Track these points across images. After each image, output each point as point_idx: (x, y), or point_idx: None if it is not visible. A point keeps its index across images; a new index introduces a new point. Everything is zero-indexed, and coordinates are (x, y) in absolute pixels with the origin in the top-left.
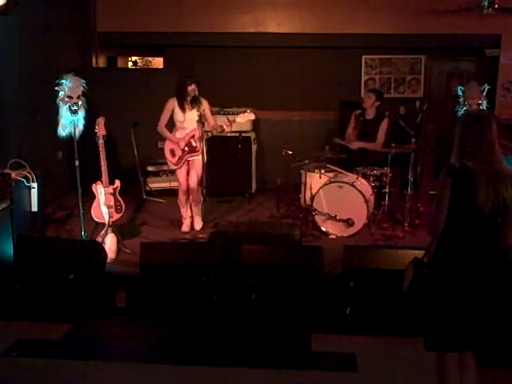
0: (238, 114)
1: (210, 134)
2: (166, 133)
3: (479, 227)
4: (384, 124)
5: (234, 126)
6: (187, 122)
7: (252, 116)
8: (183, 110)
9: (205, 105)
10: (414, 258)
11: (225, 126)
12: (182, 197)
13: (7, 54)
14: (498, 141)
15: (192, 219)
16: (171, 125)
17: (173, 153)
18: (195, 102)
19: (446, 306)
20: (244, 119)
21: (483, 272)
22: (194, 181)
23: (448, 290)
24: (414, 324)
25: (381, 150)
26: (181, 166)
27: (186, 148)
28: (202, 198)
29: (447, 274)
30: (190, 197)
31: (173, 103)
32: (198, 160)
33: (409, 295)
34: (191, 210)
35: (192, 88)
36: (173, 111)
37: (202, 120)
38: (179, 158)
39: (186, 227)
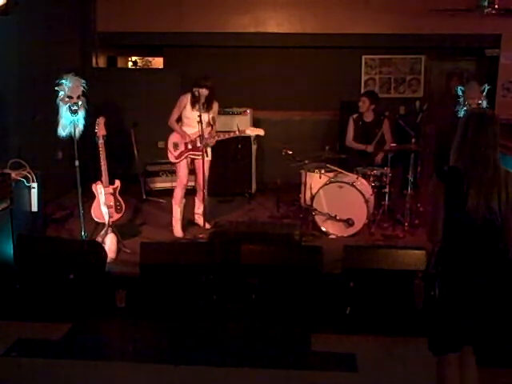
0: (240, 113)
1: (210, 140)
2: (177, 127)
3: (476, 231)
4: (386, 125)
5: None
6: (193, 120)
7: (261, 132)
8: (194, 108)
9: (215, 109)
10: (421, 271)
11: (231, 134)
12: (179, 192)
13: (7, 54)
14: (498, 144)
15: (197, 218)
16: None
17: (176, 146)
18: (207, 105)
19: (452, 312)
20: (254, 133)
21: (486, 274)
22: (199, 181)
23: (456, 297)
24: (419, 325)
25: (396, 147)
26: (180, 161)
27: (190, 145)
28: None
29: (454, 282)
30: (197, 196)
31: (186, 99)
32: (201, 160)
33: (423, 311)
34: (181, 212)
35: (201, 92)
36: (184, 107)
37: (204, 122)
38: (180, 153)
39: (179, 232)
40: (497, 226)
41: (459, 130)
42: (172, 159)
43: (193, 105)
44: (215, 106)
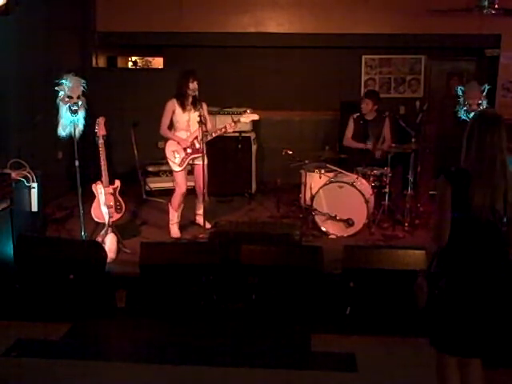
0: (239, 113)
1: (209, 137)
2: (170, 134)
3: (480, 231)
4: (386, 124)
5: (239, 126)
6: (192, 122)
7: (256, 116)
8: (185, 110)
9: (204, 107)
10: (422, 270)
11: (228, 127)
12: (179, 199)
13: (7, 53)
14: (506, 146)
15: (198, 219)
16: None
17: (176, 153)
18: (196, 103)
19: (456, 313)
20: (248, 119)
21: (491, 278)
22: (200, 185)
23: (459, 298)
24: (421, 325)
25: (394, 147)
26: (184, 168)
27: (189, 149)
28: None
29: (458, 283)
30: (198, 199)
31: (173, 104)
32: (201, 165)
33: (426, 310)
34: (178, 216)
35: (194, 85)
36: (173, 113)
37: (202, 121)
38: (182, 160)
39: (177, 233)
40: (499, 229)
41: (466, 132)
42: (175, 167)
43: (183, 107)
44: (204, 104)
